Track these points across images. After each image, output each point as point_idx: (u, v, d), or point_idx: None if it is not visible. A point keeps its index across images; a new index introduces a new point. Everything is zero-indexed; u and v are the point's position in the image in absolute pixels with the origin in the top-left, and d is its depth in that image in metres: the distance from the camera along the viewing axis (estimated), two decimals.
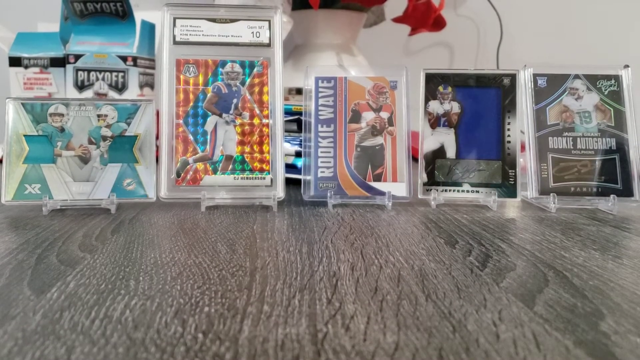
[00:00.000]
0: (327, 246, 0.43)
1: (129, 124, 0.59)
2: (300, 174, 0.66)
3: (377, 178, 0.61)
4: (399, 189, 0.61)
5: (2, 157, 0.57)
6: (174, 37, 0.63)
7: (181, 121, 0.61)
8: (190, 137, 0.61)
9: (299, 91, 1.03)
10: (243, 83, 0.62)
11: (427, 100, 0.64)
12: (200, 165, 0.61)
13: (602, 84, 0.63)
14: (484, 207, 0.62)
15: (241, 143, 0.61)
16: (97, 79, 0.91)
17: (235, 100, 0.62)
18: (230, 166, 0.61)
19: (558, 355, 0.25)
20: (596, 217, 0.57)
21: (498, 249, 0.43)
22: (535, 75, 0.64)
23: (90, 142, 0.58)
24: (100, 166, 0.58)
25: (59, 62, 0.92)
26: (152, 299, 0.31)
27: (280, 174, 0.61)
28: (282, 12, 0.65)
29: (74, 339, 0.26)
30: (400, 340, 0.26)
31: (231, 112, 0.62)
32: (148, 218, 0.54)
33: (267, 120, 0.62)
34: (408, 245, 0.44)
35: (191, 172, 0.60)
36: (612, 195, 0.60)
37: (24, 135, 0.57)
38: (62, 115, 0.58)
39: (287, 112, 0.77)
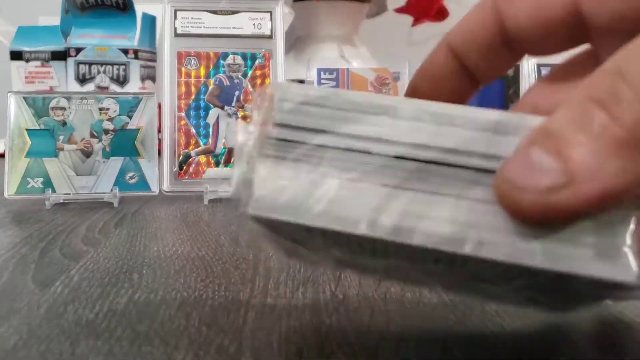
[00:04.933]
0: None
1: (130, 117, 0.59)
2: None
3: None
4: None
5: (4, 151, 0.57)
6: (175, 29, 0.62)
7: (183, 114, 0.61)
8: (193, 130, 0.61)
9: (300, 83, 1.03)
10: (245, 75, 0.62)
11: None
12: (202, 158, 0.61)
13: None
14: None
15: None
16: (99, 72, 0.91)
17: (237, 93, 0.62)
18: (233, 159, 0.61)
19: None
20: None
21: None
22: (539, 66, 0.64)
23: (92, 136, 0.58)
24: (102, 160, 0.58)
25: (60, 56, 0.91)
26: (155, 292, 0.31)
27: None
28: (284, 4, 0.65)
29: (79, 333, 0.26)
30: (404, 332, 0.26)
31: (233, 104, 0.62)
32: (151, 211, 0.54)
33: None
34: None
35: (194, 165, 0.60)
36: None
37: (26, 129, 0.57)
38: (63, 109, 0.58)
39: None
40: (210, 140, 0.61)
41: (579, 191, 0.14)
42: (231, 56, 0.62)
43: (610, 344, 0.25)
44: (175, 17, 0.62)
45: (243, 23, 0.63)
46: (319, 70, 0.63)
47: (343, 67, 0.63)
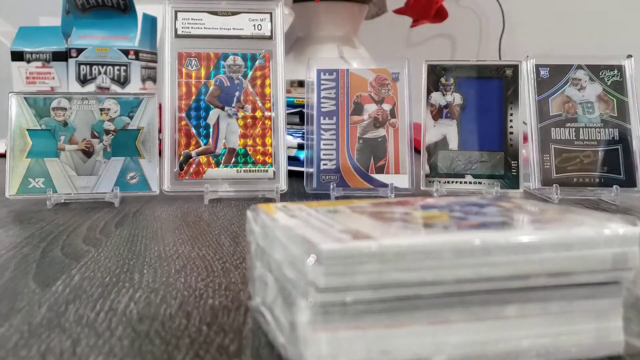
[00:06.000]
0: None
1: (131, 118, 0.59)
2: (302, 166, 0.66)
3: (380, 170, 0.61)
4: (401, 180, 0.61)
5: (5, 151, 0.57)
6: (176, 30, 0.63)
7: (183, 114, 0.61)
8: (193, 131, 0.61)
9: (301, 84, 1.03)
10: (245, 76, 0.62)
11: (429, 92, 0.64)
12: (203, 159, 0.61)
13: (605, 74, 0.63)
14: None
15: (244, 136, 0.62)
16: (100, 73, 0.91)
17: (237, 93, 0.62)
18: (233, 159, 0.61)
19: None
20: (599, 207, 0.57)
21: None
22: (537, 66, 0.64)
23: (93, 136, 0.58)
24: (103, 160, 0.58)
25: (61, 56, 0.92)
26: (156, 292, 0.31)
27: (283, 167, 0.61)
28: (284, 4, 0.65)
29: (79, 332, 0.26)
30: None
31: (233, 105, 0.62)
32: (151, 211, 0.54)
33: (269, 113, 0.62)
34: None
35: (194, 166, 0.61)
36: (614, 186, 0.59)
37: (27, 130, 0.57)
38: (64, 109, 0.58)
39: (289, 105, 0.77)
40: (210, 140, 0.61)
41: None
42: (231, 57, 0.63)
43: None
44: (176, 18, 0.62)
45: (243, 24, 0.64)
46: (319, 71, 0.63)
47: (343, 67, 0.64)
